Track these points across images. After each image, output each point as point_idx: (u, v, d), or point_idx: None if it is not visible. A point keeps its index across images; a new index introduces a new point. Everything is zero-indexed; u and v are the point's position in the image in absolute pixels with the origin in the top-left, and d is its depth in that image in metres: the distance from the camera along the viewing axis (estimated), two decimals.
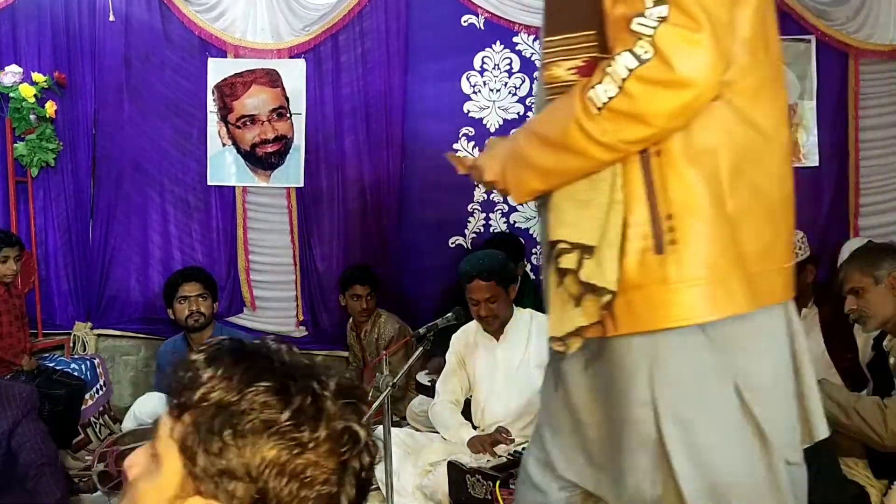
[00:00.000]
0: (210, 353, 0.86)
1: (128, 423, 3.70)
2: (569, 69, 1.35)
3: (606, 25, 1.31)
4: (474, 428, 3.17)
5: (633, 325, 1.35)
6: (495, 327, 3.15)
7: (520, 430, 3.02)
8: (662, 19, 1.22)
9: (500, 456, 2.86)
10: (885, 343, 2.70)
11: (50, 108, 4.57)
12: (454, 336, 3.32)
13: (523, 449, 2.84)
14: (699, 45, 1.21)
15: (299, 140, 4.69)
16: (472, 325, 3.25)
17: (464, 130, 4.72)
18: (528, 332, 3.17)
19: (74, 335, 4.74)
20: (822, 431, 1.47)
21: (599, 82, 1.27)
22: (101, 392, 4.32)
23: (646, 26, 1.22)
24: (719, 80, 1.26)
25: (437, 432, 3.34)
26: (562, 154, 1.32)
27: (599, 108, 1.26)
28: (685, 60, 1.21)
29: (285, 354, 0.88)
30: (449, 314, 3.07)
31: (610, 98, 1.25)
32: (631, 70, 1.23)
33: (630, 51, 1.24)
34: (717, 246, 1.32)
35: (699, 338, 1.34)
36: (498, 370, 3.19)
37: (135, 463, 0.88)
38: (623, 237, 1.32)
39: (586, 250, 1.33)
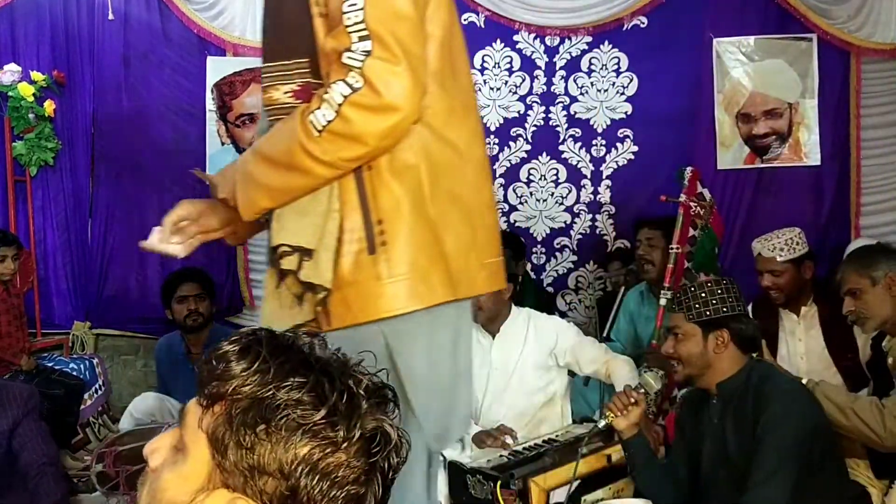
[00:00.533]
0: (244, 344, 0.84)
1: (125, 423, 3.69)
2: (286, 92, 1.54)
3: (319, 55, 1.49)
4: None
5: (348, 319, 1.51)
6: (482, 320, 3.15)
7: (520, 428, 3.01)
8: (368, 53, 1.41)
9: (508, 449, 2.85)
10: (883, 343, 2.69)
11: (49, 106, 4.56)
12: None
13: (526, 447, 2.84)
14: (399, 75, 1.41)
15: None
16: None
17: None
18: (526, 331, 3.16)
19: (73, 335, 4.73)
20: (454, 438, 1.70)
21: (318, 108, 1.43)
22: (100, 392, 4.31)
23: (355, 59, 1.41)
24: (419, 105, 1.47)
25: None
26: (288, 173, 1.48)
27: (320, 131, 1.42)
28: (390, 88, 1.40)
29: (318, 349, 0.87)
30: None
31: (329, 122, 1.42)
32: (345, 97, 1.41)
33: (343, 80, 1.41)
34: (420, 246, 1.52)
35: (374, 329, 1.52)
36: (494, 368, 3.18)
37: (157, 449, 0.87)
38: (340, 241, 1.50)
39: (306, 253, 1.50)
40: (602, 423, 2.43)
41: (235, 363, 0.82)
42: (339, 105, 1.40)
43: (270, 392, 0.80)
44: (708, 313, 2.28)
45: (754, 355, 2.37)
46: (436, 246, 1.53)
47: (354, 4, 1.42)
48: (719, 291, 2.30)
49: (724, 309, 2.28)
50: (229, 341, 0.85)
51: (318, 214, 1.50)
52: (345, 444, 0.81)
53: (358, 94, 1.40)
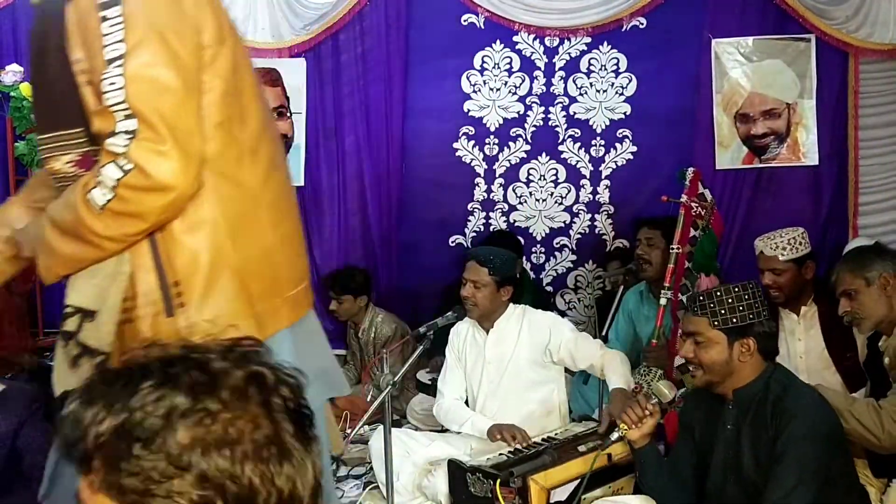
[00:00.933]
0: (82, 393, 0.82)
1: None
2: (67, 162, 1.51)
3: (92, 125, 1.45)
4: None
5: None
6: (475, 315, 3.17)
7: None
8: (132, 135, 1.38)
9: (531, 442, 2.87)
10: (880, 343, 2.70)
11: None
12: (451, 332, 3.34)
13: (529, 446, 2.85)
14: (166, 155, 1.39)
15: (299, 139, 4.70)
16: (468, 321, 3.26)
17: (464, 129, 4.73)
18: (520, 326, 3.18)
19: None
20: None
21: (96, 187, 1.41)
22: None
23: (118, 145, 1.39)
24: (194, 178, 1.44)
25: (438, 431, 3.34)
26: (77, 244, 1.47)
27: (101, 209, 1.41)
28: (158, 169, 1.39)
29: (158, 350, 0.86)
30: (449, 313, 3.08)
31: (108, 201, 1.41)
32: (118, 180, 1.39)
33: (114, 162, 1.39)
34: (223, 299, 1.51)
35: None
36: (487, 363, 3.20)
37: None
38: (135, 304, 1.49)
39: (87, 315, 1.48)
40: (615, 436, 2.41)
41: (83, 415, 0.80)
42: (114, 187, 1.39)
43: (125, 414, 0.78)
44: (735, 320, 2.20)
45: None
46: (242, 294, 1.54)
47: (114, 84, 1.37)
48: (746, 297, 2.21)
49: (751, 316, 2.21)
50: (70, 401, 0.83)
51: (105, 276, 1.48)
52: (220, 407, 0.79)
53: (129, 176, 1.38)
